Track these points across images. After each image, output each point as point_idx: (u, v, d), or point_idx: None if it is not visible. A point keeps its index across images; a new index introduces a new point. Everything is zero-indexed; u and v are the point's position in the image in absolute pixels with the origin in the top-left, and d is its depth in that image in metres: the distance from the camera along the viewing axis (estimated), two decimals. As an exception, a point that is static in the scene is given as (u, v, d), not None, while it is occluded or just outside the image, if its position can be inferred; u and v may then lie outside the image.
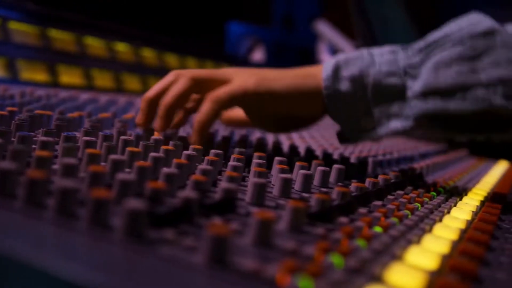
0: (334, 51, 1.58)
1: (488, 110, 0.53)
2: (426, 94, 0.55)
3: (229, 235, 0.26)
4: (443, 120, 0.56)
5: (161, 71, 1.30)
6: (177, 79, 0.57)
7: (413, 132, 0.57)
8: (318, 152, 0.68)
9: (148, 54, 1.29)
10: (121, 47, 1.22)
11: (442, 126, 0.57)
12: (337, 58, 0.59)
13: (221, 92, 0.56)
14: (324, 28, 1.58)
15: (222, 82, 0.58)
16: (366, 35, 1.18)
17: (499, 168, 0.94)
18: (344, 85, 0.57)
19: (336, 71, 0.58)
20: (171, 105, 0.56)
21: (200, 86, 0.58)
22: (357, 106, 0.58)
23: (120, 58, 1.20)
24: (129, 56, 1.23)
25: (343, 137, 0.61)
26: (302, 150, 0.69)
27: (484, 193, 0.61)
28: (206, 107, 0.55)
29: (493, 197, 0.59)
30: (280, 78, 0.58)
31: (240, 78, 0.57)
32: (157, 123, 0.56)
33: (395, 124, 0.57)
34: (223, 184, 0.37)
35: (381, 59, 0.57)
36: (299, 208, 0.34)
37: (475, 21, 0.56)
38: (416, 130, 0.57)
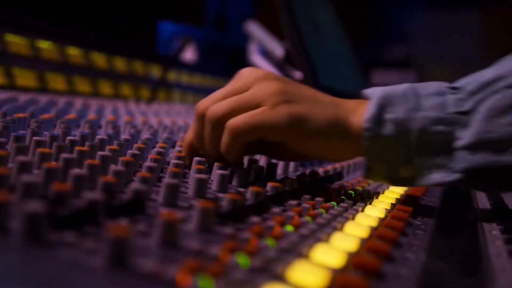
0: (264, 52, 1.59)
1: None
2: (477, 146, 0.50)
3: (130, 236, 0.26)
4: (495, 174, 0.52)
5: (88, 71, 1.28)
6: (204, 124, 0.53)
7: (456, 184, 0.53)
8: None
9: (74, 53, 1.26)
10: (45, 45, 1.18)
11: (492, 180, 0.53)
12: (381, 95, 0.52)
13: (242, 122, 0.51)
14: (254, 29, 1.59)
15: (256, 105, 0.52)
16: (294, 37, 1.19)
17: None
18: (388, 129, 0.51)
19: (380, 112, 0.51)
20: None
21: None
22: (398, 152, 0.52)
23: (44, 57, 1.17)
24: (53, 54, 1.20)
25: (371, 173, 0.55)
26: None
27: (401, 191, 0.63)
28: (225, 140, 0.51)
29: (409, 194, 0.61)
30: (316, 115, 0.52)
31: (272, 111, 0.51)
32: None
33: (438, 176, 0.52)
34: (133, 185, 0.36)
35: (427, 102, 0.52)
36: (208, 208, 0.34)
37: None
38: (465, 185, 0.53)
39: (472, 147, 0.50)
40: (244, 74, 0.55)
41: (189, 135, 0.55)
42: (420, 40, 3.51)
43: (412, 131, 0.51)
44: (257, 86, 0.53)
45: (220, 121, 0.51)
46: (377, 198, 0.55)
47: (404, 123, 0.51)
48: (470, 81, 0.53)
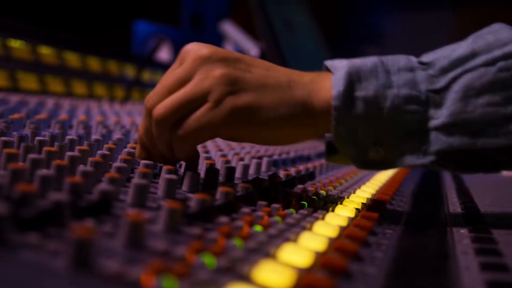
0: (239, 51, 1.59)
1: None
2: (452, 127, 0.48)
3: (93, 237, 0.26)
4: (469, 156, 0.51)
5: (61, 70, 1.26)
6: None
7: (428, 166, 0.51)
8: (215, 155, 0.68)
9: (46, 52, 1.25)
10: (16, 44, 1.17)
11: (465, 162, 0.51)
12: (348, 70, 0.49)
13: (188, 128, 0.47)
14: (229, 29, 1.59)
15: (200, 101, 0.48)
16: (268, 37, 1.19)
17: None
18: (357, 108, 0.48)
19: (348, 89, 0.48)
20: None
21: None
22: (368, 132, 0.49)
23: (15, 56, 1.15)
24: (25, 53, 1.18)
25: (331, 151, 0.53)
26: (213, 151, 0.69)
27: (373, 191, 0.63)
28: (174, 144, 0.49)
29: (377, 198, 0.61)
30: (267, 103, 0.48)
31: (217, 109, 0.47)
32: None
33: (410, 158, 0.49)
34: (101, 186, 0.36)
35: (398, 78, 0.49)
36: (175, 209, 0.33)
37: (503, 36, 0.50)
38: (435, 166, 0.51)
39: (447, 128, 0.48)
40: (189, 54, 0.50)
41: (140, 131, 0.52)
42: (394, 40, 3.54)
43: (383, 110, 0.48)
44: (199, 74, 0.48)
45: (165, 122, 0.48)
46: (354, 192, 0.55)
47: (375, 101, 0.48)
48: (439, 56, 0.50)
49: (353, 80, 0.48)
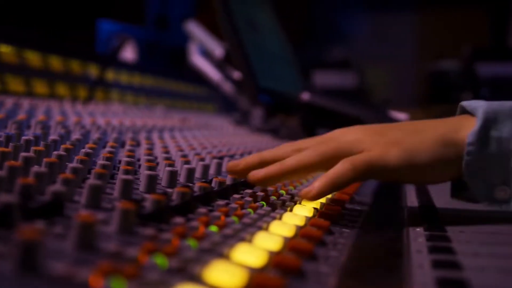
0: (204, 52, 1.59)
1: None
2: None
3: (41, 239, 0.25)
4: None
5: (21, 69, 1.24)
6: (299, 149, 0.54)
7: None
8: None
9: (6, 51, 1.22)
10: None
11: None
12: (486, 110, 0.52)
13: (358, 159, 0.51)
14: (194, 29, 1.58)
15: (350, 153, 0.52)
16: (232, 37, 1.19)
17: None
18: (491, 147, 0.51)
19: (485, 128, 0.51)
20: (294, 170, 0.53)
21: (327, 163, 0.52)
22: (498, 172, 0.52)
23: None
24: (-17, 52, 1.16)
25: (458, 188, 0.57)
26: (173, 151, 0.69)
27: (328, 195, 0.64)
28: (342, 168, 0.51)
29: (341, 192, 0.62)
30: (421, 146, 0.52)
31: (378, 148, 0.52)
32: (263, 175, 0.53)
33: None
34: (53, 187, 0.36)
35: None
36: (128, 209, 0.33)
37: None
38: None
39: None
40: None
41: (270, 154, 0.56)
42: (359, 41, 3.58)
43: None
44: (352, 133, 0.55)
45: (323, 157, 0.53)
46: (300, 203, 0.55)
47: (508, 143, 0.51)
48: None
49: (489, 120, 0.51)
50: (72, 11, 1.82)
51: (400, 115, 1.23)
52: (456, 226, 0.51)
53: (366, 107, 1.28)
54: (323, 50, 3.24)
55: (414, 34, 3.58)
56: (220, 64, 1.50)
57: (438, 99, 2.89)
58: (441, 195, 0.69)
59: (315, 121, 1.23)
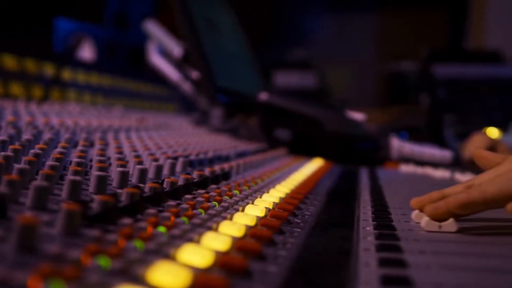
0: (163, 51, 1.58)
1: None
2: None
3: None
4: None
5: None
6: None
7: None
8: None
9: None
10: None
11: None
12: None
13: None
14: (153, 28, 1.57)
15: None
16: (190, 36, 1.19)
17: (312, 165, 0.99)
18: None
19: None
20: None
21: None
22: None
23: None
24: None
25: None
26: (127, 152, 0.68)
27: (287, 190, 0.64)
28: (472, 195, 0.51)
29: (294, 192, 0.62)
30: None
31: None
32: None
33: None
34: (-4, 188, 0.35)
35: None
36: (72, 211, 0.33)
37: None
38: None
39: None
40: None
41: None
42: (320, 41, 3.61)
43: None
44: None
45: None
46: (268, 192, 0.55)
47: None
48: None
49: None
50: (28, 9, 1.79)
51: (357, 115, 1.25)
52: (406, 224, 0.52)
53: (323, 107, 1.29)
54: (285, 50, 3.26)
55: (375, 35, 3.63)
56: (179, 64, 1.50)
57: (397, 100, 2.94)
58: (394, 196, 0.71)
59: (274, 121, 1.23)
